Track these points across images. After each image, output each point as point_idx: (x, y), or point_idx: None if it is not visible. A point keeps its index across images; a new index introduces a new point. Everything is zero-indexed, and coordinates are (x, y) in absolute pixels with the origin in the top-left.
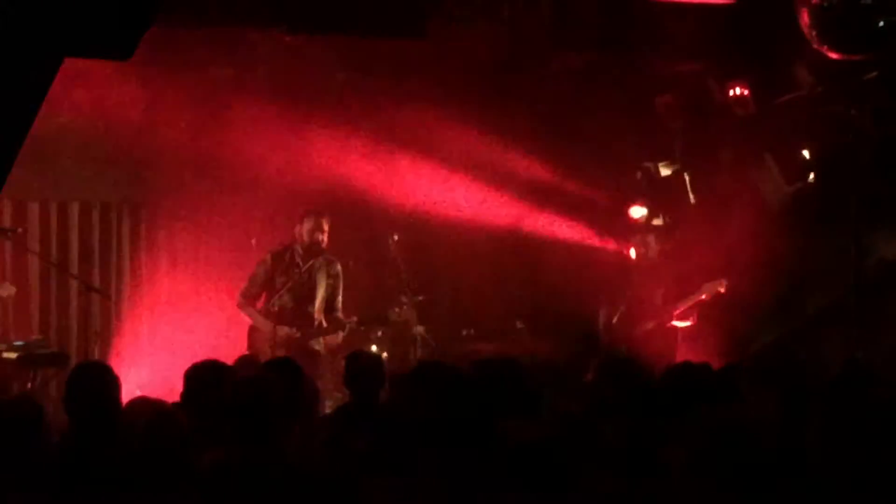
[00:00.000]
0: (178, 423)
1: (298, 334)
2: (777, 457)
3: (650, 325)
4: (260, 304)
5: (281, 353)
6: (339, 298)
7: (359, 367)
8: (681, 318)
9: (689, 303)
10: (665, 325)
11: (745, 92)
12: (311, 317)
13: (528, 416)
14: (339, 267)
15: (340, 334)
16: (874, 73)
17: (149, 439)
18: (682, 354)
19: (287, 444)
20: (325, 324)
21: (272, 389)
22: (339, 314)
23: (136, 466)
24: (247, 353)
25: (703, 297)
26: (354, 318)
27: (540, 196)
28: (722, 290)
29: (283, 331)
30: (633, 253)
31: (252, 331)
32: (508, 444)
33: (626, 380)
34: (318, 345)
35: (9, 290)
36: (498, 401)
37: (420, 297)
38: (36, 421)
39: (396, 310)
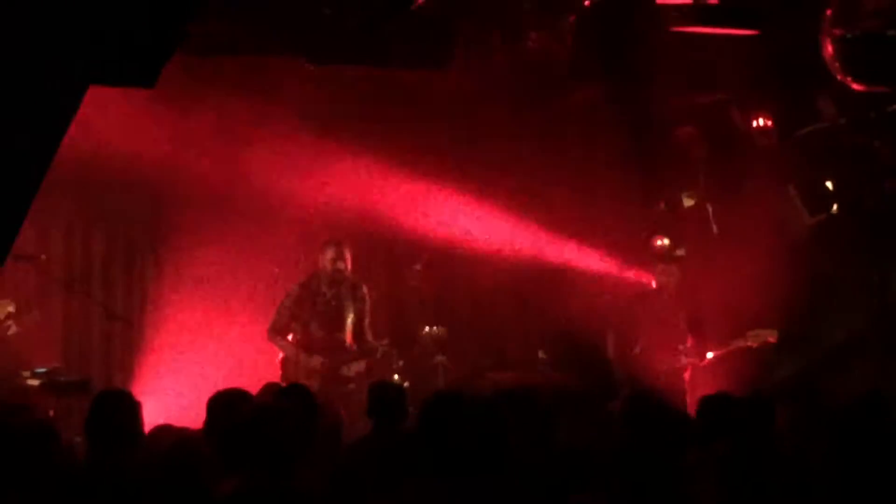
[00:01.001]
0: (198, 451)
1: (329, 362)
2: (799, 486)
3: (682, 362)
4: (290, 334)
5: (313, 381)
6: (367, 320)
7: (381, 398)
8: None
9: (733, 348)
10: (698, 364)
11: (769, 123)
12: (342, 343)
13: (547, 446)
14: (365, 289)
15: (363, 362)
16: None
17: (169, 467)
18: (704, 387)
19: (305, 473)
20: (355, 348)
21: (282, 417)
22: (369, 336)
23: (156, 494)
24: (273, 381)
25: (750, 344)
26: (386, 341)
27: (562, 226)
28: (772, 340)
29: (315, 360)
30: (655, 283)
31: (285, 361)
32: (528, 473)
33: (656, 412)
34: (350, 371)
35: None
36: (517, 430)
37: (443, 327)
38: (52, 445)
39: (426, 330)
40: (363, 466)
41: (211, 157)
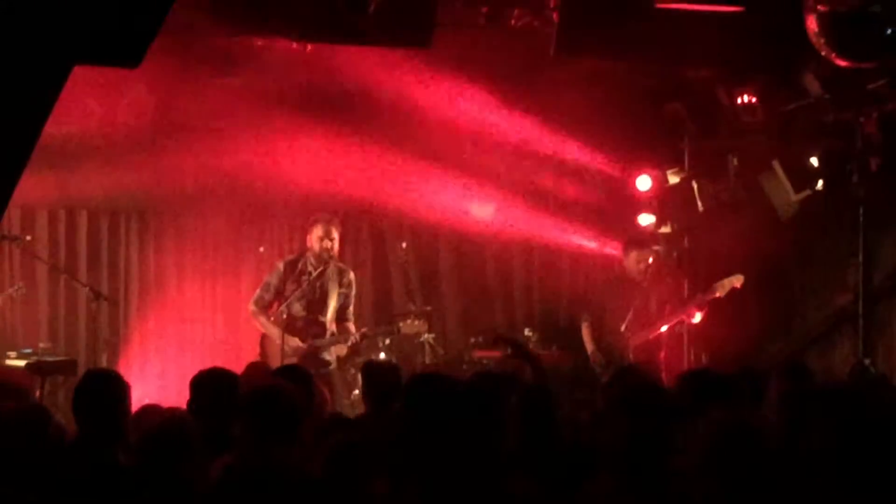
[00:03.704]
0: (188, 431)
1: (309, 343)
2: (783, 462)
3: (659, 328)
4: (272, 311)
5: (292, 361)
6: (351, 308)
7: (375, 377)
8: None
9: (702, 301)
10: (668, 324)
11: (754, 99)
12: (322, 325)
13: (532, 423)
14: (351, 275)
15: (344, 346)
16: (882, 81)
17: (158, 447)
18: (690, 362)
19: (296, 451)
20: (335, 333)
21: (291, 396)
22: (351, 323)
23: (146, 474)
24: (258, 361)
25: (717, 294)
26: (364, 330)
27: (548, 204)
28: (738, 285)
29: (294, 340)
30: (630, 268)
31: (264, 339)
32: (514, 450)
33: (637, 385)
34: (329, 354)
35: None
36: (502, 409)
37: (428, 307)
38: (45, 429)
39: (408, 321)
40: (359, 446)
41: (196, 137)
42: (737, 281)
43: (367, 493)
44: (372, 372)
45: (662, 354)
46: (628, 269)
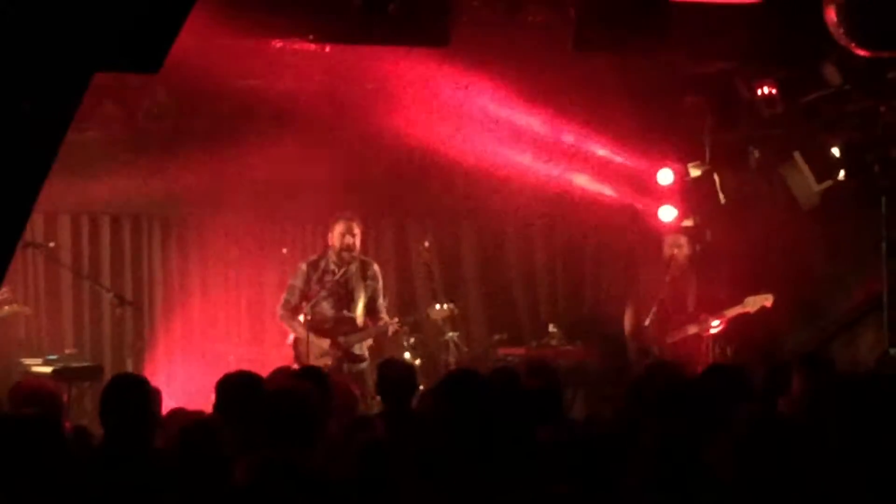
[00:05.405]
0: (214, 434)
1: (341, 340)
2: (810, 454)
3: (691, 330)
4: (300, 313)
5: (325, 361)
6: (381, 300)
7: (390, 375)
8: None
9: (732, 314)
10: (703, 333)
11: (773, 91)
12: (352, 321)
13: (559, 420)
14: (376, 267)
15: (370, 340)
16: None
17: (186, 450)
18: (715, 356)
19: (320, 452)
20: (368, 326)
21: (299, 399)
22: (383, 314)
23: (174, 477)
24: (286, 364)
25: (748, 310)
26: (396, 319)
27: (570, 199)
28: (768, 304)
29: (325, 341)
30: (664, 255)
31: (297, 342)
32: (541, 447)
33: (666, 381)
34: (361, 349)
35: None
36: (528, 405)
37: (452, 304)
38: (56, 435)
39: (436, 306)
40: (386, 446)
41: (217, 139)
42: (766, 300)
43: (393, 493)
44: (386, 370)
45: (689, 349)
46: (664, 257)
